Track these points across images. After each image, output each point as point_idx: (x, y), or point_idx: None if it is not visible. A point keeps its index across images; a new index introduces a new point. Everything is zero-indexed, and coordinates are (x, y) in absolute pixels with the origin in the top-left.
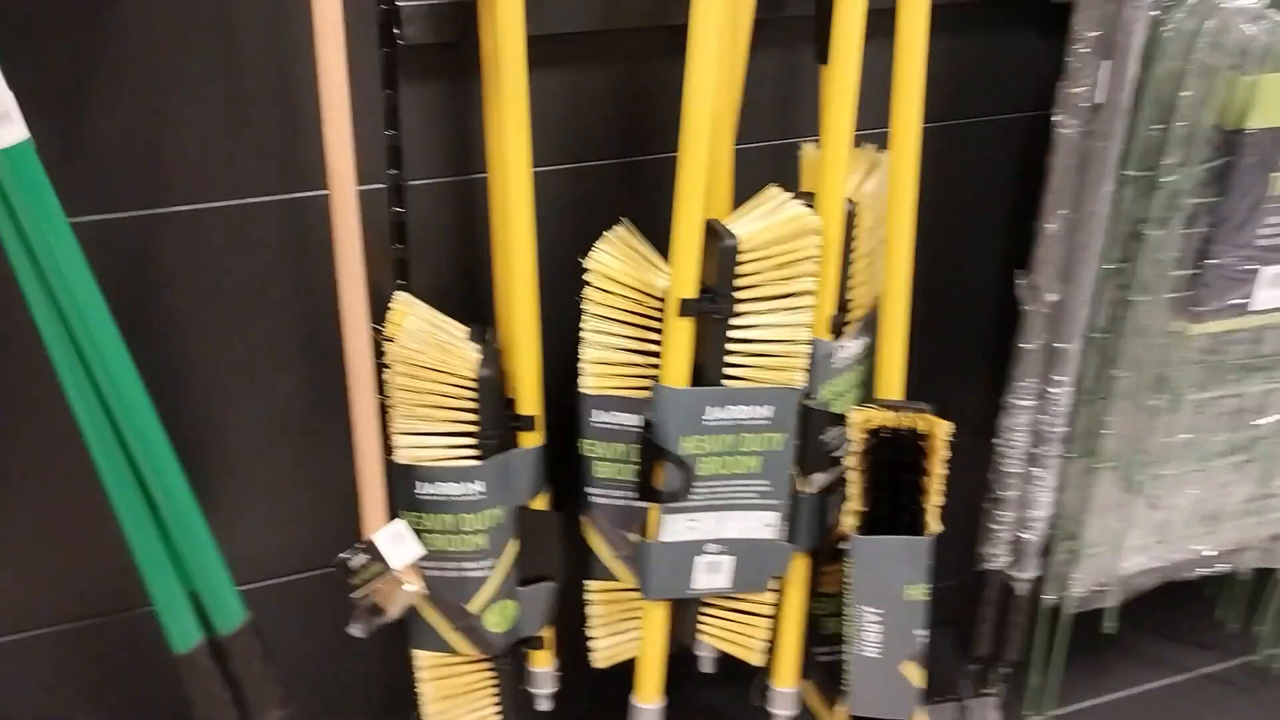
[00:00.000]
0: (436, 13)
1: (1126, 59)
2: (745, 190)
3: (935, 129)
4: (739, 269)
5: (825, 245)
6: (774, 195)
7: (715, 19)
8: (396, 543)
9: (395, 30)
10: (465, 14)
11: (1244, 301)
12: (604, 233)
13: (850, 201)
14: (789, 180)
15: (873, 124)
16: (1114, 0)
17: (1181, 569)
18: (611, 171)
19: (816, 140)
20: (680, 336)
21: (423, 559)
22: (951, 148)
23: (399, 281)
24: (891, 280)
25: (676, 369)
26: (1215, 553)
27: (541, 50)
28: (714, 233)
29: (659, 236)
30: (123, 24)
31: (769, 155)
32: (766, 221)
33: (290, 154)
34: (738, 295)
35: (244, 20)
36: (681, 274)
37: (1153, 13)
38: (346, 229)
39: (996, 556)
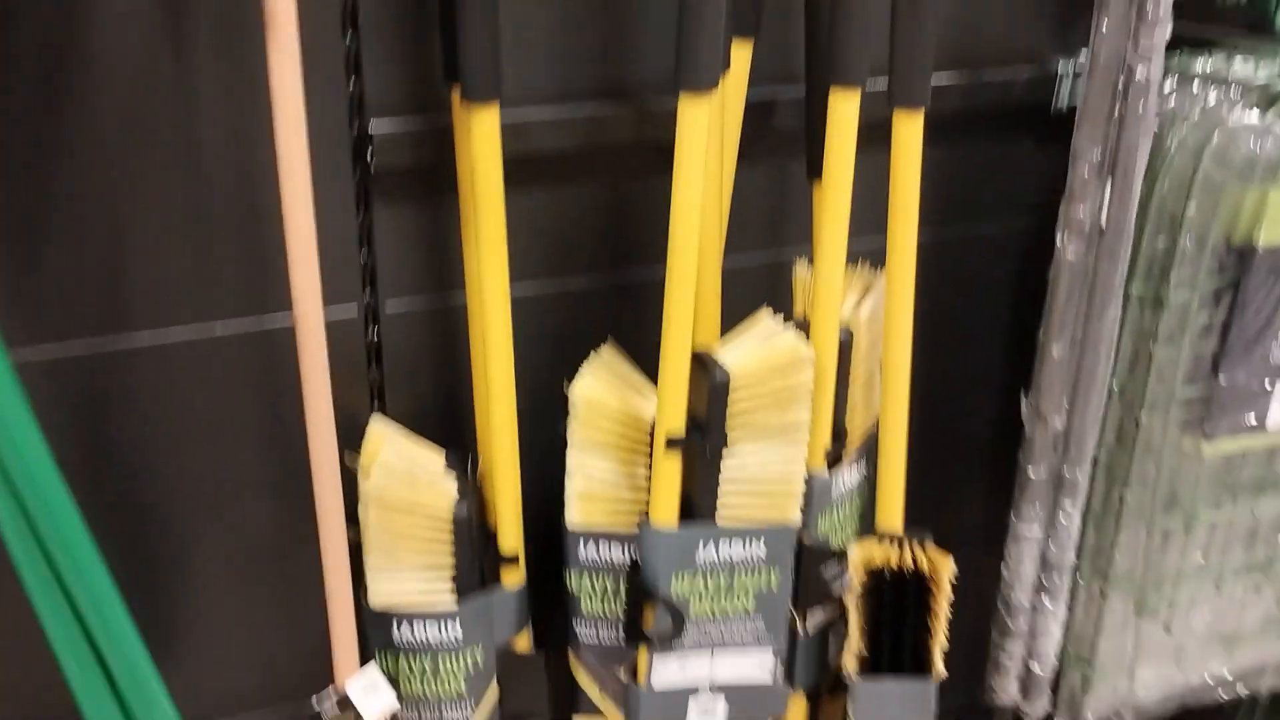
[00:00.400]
0: (412, 138)
1: (1131, 182)
2: (735, 306)
3: (931, 243)
4: (730, 402)
5: (820, 375)
6: (765, 321)
7: (702, 137)
8: (370, 693)
9: (369, 156)
10: (441, 138)
11: (1257, 420)
12: (589, 353)
13: (846, 330)
14: (781, 296)
15: (866, 229)
16: (1116, 121)
17: (1199, 694)
18: (595, 291)
19: (808, 255)
20: (669, 473)
21: (399, 703)
22: (949, 262)
23: (375, 406)
24: (889, 405)
25: (665, 505)
26: (1233, 675)
27: (521, 169)
28: (703, 365)
29: (646, 356)
30: (81, 141)
31: (760, 269)
32: (758, 352)
33: (257, 277)
34: (729, 429)
35: (208, 138)
36: (669, 410)
37: (1155, 127)
38: (313, 357)
39: (1005, 690)
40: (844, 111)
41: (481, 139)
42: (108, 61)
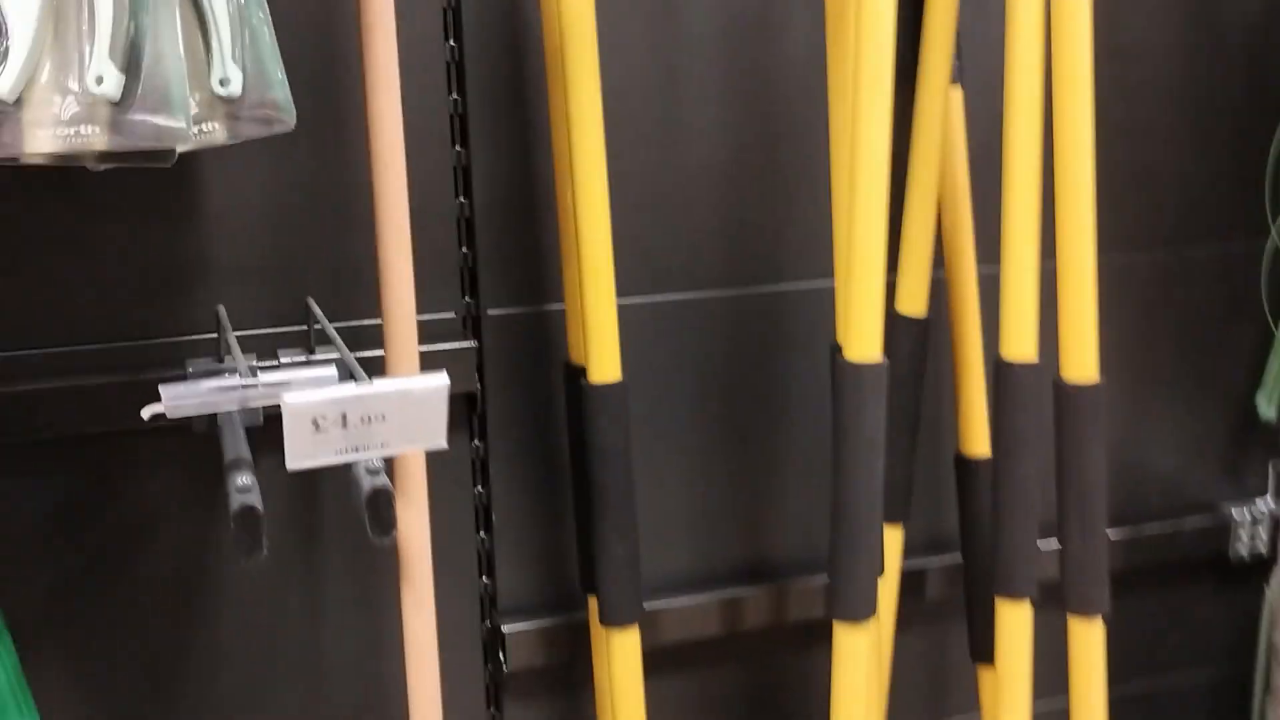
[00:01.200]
0: (545, 636)
1: None
2: None
3: (1113, 705)
4: None
5: None
6: None
7: (860, 666)
8: None
9: (501, 655)
10: (576, 633)
11: None
12: None
13: None
14: None
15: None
16: None
17: None
18: None
19: None
20: None
21: None
22: None
23: None
24: None
25: None
26: None
27: (660, 657)
28: None
29: None
30: (207, 658)
31: None
32: None
33: None
34: None
35: (333, 649)
36: None
37: None
38: None
39: None
40: (1015, 622)
41: (621, 659)
42: (238, 583)
